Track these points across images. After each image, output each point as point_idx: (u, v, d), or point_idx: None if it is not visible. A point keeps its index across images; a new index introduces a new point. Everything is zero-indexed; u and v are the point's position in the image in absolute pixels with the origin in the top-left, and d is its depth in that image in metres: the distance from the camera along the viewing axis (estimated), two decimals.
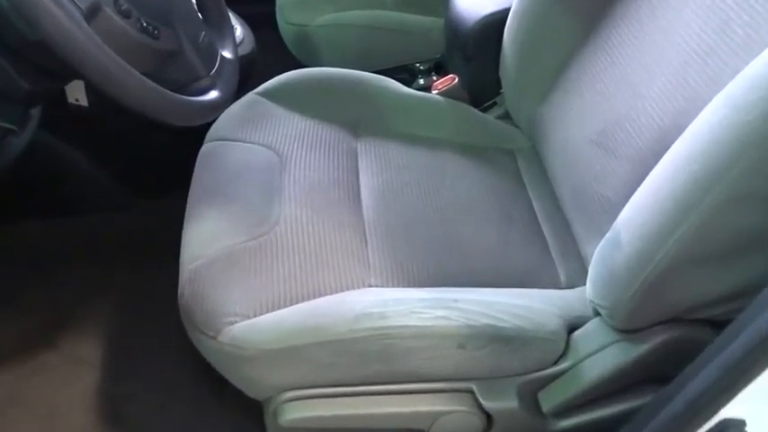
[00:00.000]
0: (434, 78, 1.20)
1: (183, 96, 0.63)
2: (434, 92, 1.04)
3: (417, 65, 1.23)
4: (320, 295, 0.74)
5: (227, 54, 0.78)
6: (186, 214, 0.83)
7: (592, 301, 0.74)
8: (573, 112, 0.89)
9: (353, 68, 1.22)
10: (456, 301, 0.73)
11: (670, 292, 0.64)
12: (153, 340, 1.08)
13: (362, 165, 0.93)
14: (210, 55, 0.73)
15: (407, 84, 1.22)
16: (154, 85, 0.58)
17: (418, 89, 1.18)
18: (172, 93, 0.60)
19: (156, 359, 1.07)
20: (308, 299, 0.73)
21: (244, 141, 0.94)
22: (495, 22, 1.02)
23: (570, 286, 0.84)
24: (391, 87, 1.02)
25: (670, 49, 0.76)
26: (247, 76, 1.13)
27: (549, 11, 0.92)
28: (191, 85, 0.70)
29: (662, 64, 0.77)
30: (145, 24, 0.60)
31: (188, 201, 0.85)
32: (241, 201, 0.84)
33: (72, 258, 1.15)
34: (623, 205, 0.73)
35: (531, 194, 0.97)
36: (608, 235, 0.70)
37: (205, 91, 0.71)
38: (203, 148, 0.94)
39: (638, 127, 0.76)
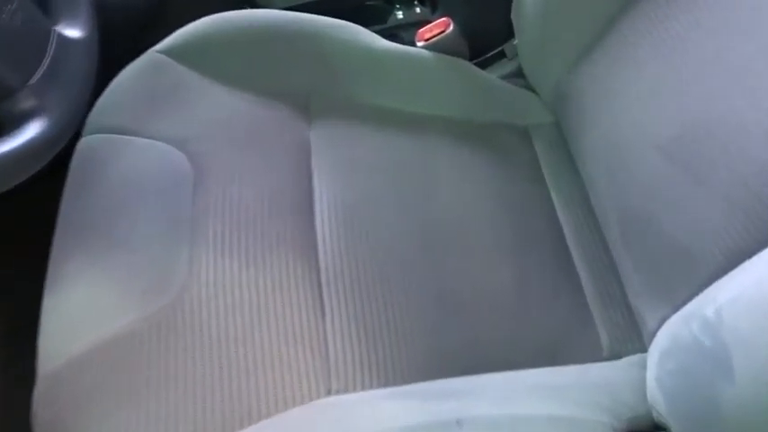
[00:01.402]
0: (417, 11, 0.88)
1: None
2: (420, 44, 0.73)
3: None
4: (251, 421, 0.48)
5: (69, 31, 0.45)
6: (49, 271, 0.55)
7: (658, 415, 0.50)
8: (627, 93, 0.60)
9: None
10: (459, 422, 0.48)
11: None
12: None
13: (318, 167, 0.64)
14: (30, 44, 0.41)
15: (380, 17, 0.90)
16: None
17: (396, 28, 0.87)
18: None
19: None
20: (233, 430, 0.48)
21: (138, 135, 0.63)
22: None
23: (615, 354, 0.59)
24: (358, 39, 0.71)
25: None
26: (149, 21, 0.79)
27: None
28: None
29: None
30: None
31: (53, 246, 0.57)
32: (129, 246, 0.56)
33: None
34: (715, 269, 0.47)
35: (555, 199, 0.69)
36: (699, 335, 0.45)
37: (18, 121, 0.40)
38: (79, 147, 0.64)
39: (746, 144, 0.48)
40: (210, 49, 0.69)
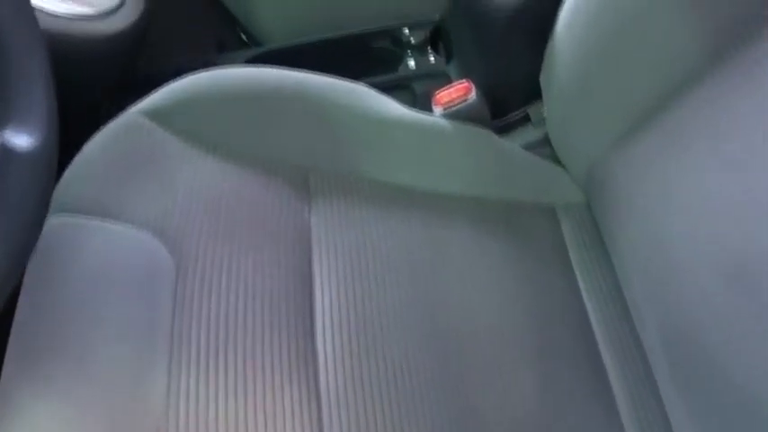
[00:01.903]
0: (431, 59, 0.79)
1: None
2: (437, 109, 0.64)
3: (405, 30, 0.81)
4: None
5: (18, 139, 0.36)
6: None
7: None
8: (681, 191, 0.52)
9: (309, 30, 0.82)
10: None
11: None
12: None
13: (319, 263, 0.55)
14: None
15: (390, 64, 0.81)
16: None
17: (407, 79, 0.78)
18: None
19: None
20: None
21: (111, 217, 0.54)
22: None
23: None
24: (368, 105, 0.62)
25: None
26: (130, 62, 0.70)
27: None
28: None
29: None
30: None
31: (4, 362, 0.48)
32: (95, 368, 0.47)
33: None
34: None
35: (584, 292, 0.61)
36: None
37: None
38: (43, 229, 0.55)
39: None
40: (197, 111, 0.60)
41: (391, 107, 0.62)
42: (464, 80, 0.64)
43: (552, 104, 0.64)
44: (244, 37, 0.91)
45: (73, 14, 0.61)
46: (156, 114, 0.60)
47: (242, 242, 0.54)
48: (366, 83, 0.79)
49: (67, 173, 0.58)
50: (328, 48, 0.81)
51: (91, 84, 0.67)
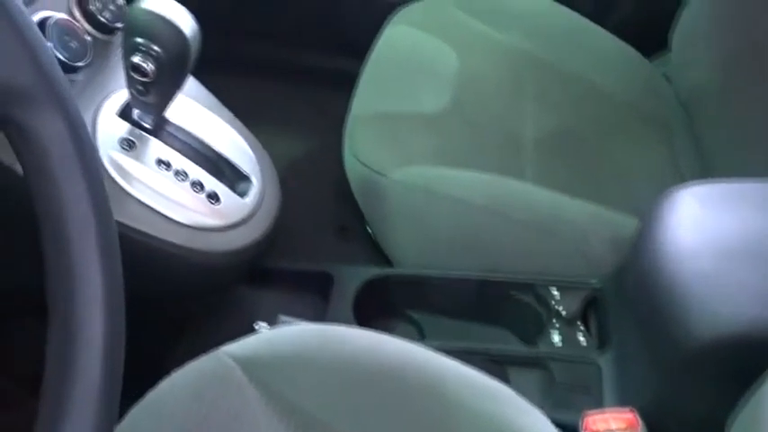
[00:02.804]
0: (581, 340, 0.66)
1: None
2: None
3: (554, 291, 0.69)
4: None
5: None
6: None
7: None
8: None
9: (443, 262, 0.73)
10: None
11: None
12: None
13: None
14: None
15: (528, 328, 0.69)
16: None
17: (544, 356, 0.66)
18: None
19: None
20: None
21: None
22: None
23: None
24: (505, 417, 0.49)
25: None
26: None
27: None
28: None
29: None
30: None
31: None
32: None
33: None
34: None
35: None
36: None
37: None
38: None
39: None
40: (299, 374, 0.50)
41: (534, 425, 0.49)
42: (628, 410, 0.50)
43: None
44: (369, 230, 0.83)
45: (197, 225, 0.55)
46: (249, 365, 0.50)
47: None
48: (497, 349, 0.67)
49: (134, 414, 0.49)
50: (461, 287, 0.71)
51: (196, 294, 0.60)
